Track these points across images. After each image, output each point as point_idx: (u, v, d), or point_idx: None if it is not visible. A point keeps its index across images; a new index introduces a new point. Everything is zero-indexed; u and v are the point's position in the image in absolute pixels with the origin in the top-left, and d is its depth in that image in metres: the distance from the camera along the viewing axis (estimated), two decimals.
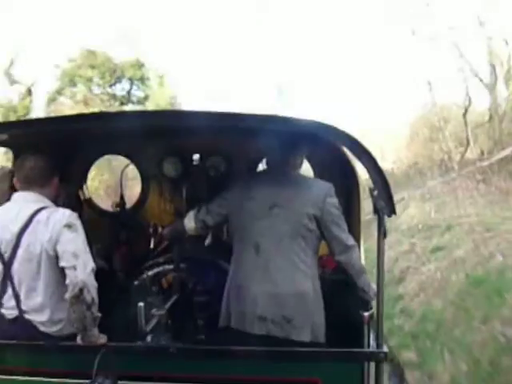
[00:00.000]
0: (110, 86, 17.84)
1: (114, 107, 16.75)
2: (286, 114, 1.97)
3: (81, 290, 2.02)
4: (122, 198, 3.59)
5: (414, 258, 7.57)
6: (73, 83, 17.07)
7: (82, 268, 2.06)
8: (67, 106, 15.90)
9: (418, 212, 9.86)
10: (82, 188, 3.56)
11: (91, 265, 2.11)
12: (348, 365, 2.06)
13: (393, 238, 8.24)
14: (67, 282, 2.06)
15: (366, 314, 2.46)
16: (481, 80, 12.91)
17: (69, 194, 2.99)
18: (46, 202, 2.29)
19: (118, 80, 17.77)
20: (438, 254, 7.16)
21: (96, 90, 17.62)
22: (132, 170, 3.77)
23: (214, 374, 2.03)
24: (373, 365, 2.09)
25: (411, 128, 15.74)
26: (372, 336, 2.46)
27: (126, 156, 3.59)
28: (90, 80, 17.17)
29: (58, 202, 2.47)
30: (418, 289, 6.36)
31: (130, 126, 2.41)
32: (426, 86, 13.16)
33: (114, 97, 17.91)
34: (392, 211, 1.93)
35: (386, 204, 1.91)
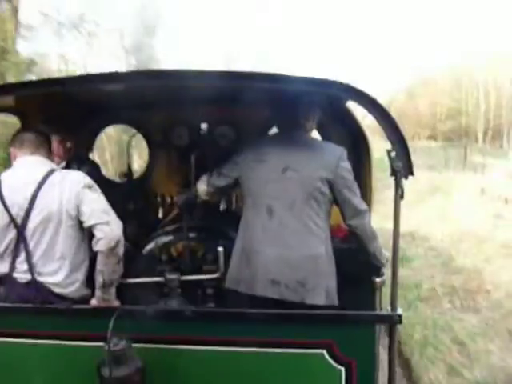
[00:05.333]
0: None
1: None
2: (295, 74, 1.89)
3: (117, 243, 2.10)
4: (129, 168, 3.57)
5: None
6: None
7: (115, 223, 2.14)
8: None
9: None
10: (88, 156, 3.54)
11: (120, 221, 2.18)
12: (361, 327, 2.05)
13: None
14: (100, 236, 2.10)
15: (378, 279, 2.47)
16: None
17: (80, 159, 2.98)
18: (53, 165, 2.30)
19: None
20: None
21: None
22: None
23: (227, 337, 2.04)
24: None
25: None
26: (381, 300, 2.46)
27: (133, 125, 3.55)
28: None
29: (71, 166, 2.45)
30: None
31: (134, 91, 2.36)
32: None
33: None
34: (410, 172, 1.89)
35: (403, 165, 1.87)
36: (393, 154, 1.90)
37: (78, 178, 2.21)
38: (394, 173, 1.91)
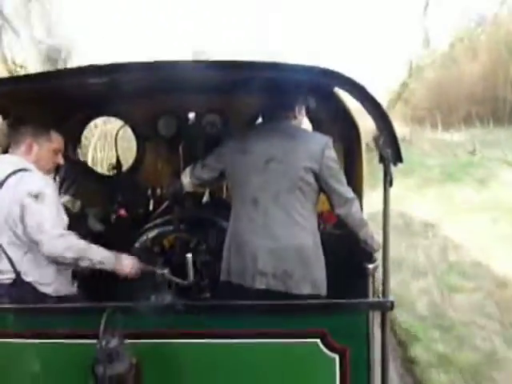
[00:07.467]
0: None
1: None
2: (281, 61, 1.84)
3: (54, 260, 2.04)
4: (117, 160, 3.52)
5: None
6: None
7: (46, 241, 2.02)
8: None
9: None
10: (75, 150, 3.48)
11: (57, 231, 2.05)
12: (354, 315, 2.05)
13: None
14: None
15: (371, 265, 2.47)
16: None
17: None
18: (24, 164, 2.19)
19: None
20: None
21: None
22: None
23: (219, 329, 2.03)
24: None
25: None
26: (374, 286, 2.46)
27: (120, 117, 3.49)
28: None
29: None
30: None
31: (120, 82, 2.30)
32: None
33: None
34: (398, 159, 1.87)
35: (392, 152, 1.85)
36: (381, 140, 1.87)
37: (28, 186, 2.08)
38: (382, 160, 1.89)
